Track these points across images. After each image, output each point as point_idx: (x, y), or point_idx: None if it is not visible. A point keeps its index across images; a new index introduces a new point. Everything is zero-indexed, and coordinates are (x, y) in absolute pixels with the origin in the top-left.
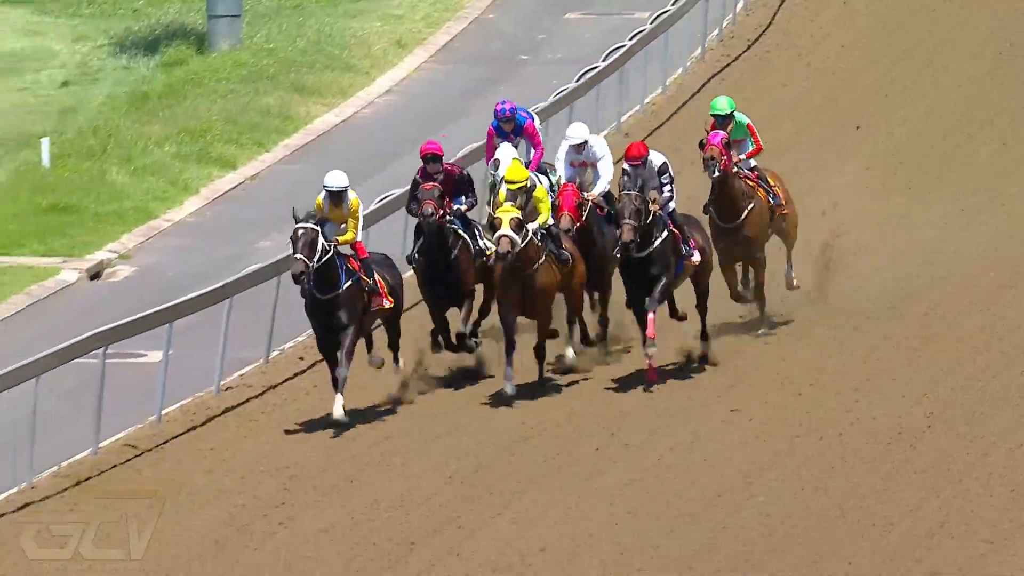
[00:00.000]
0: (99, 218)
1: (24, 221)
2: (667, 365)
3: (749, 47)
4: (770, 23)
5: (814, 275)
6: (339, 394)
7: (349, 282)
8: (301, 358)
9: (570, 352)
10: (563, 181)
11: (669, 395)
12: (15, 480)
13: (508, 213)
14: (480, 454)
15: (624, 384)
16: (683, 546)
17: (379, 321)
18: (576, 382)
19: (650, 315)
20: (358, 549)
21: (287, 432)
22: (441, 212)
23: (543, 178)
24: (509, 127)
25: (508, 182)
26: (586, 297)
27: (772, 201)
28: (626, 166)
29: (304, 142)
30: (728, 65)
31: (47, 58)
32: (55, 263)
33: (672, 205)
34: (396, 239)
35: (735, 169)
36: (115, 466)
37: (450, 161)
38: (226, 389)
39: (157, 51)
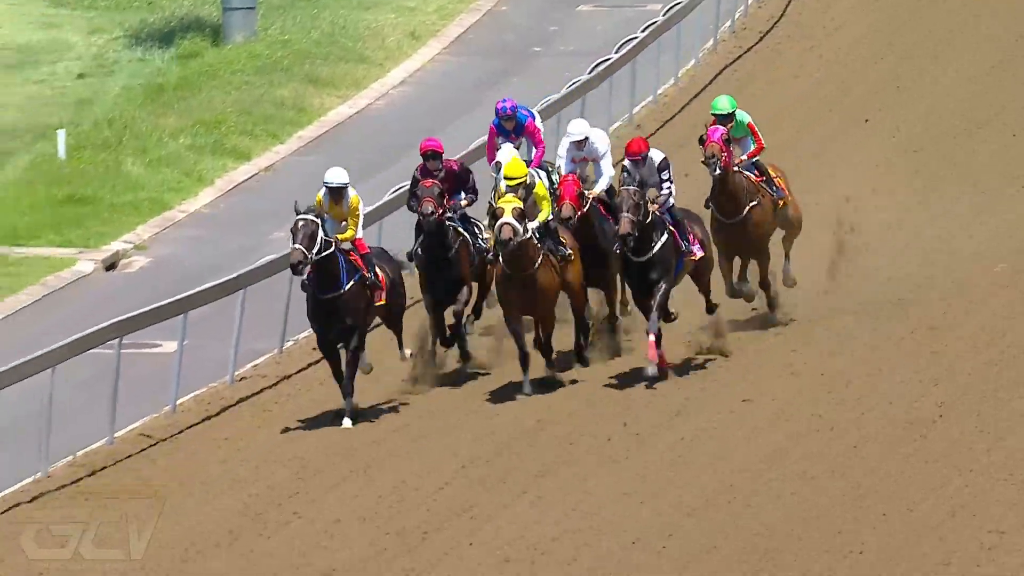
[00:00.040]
0: (114, 209)
1: (40, 212)
2: (678, 362)
3: (761, 39)
4: (782, 15)
5: (827, 262)
6: (348, 404)
7: (351, 283)
8: (315, 348)
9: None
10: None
11: (680, 386)
12: (31, 470)
13: (510, 203)
14: (492, 444)
15: (635, 376)
16: (695, 536)
17: (378, 320)
18: (587, 374)
19: (650, 338)
20: (371, 538)
21: (301, 422)
22: (441, 210)
23: (543, 175)
24: (510, 125)
25: (507, 178)
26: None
27: (775, 195)
28: (626, 162)
29: (318, 134)
30: (740, 57)
31: (63, 50)
32: (71, 254)
33: (672, 201)
34: (408, 231)
35: (736, 167)
36: (130, 456)
37: (458, 156)
38: (240, 379)
39: (172, 43)
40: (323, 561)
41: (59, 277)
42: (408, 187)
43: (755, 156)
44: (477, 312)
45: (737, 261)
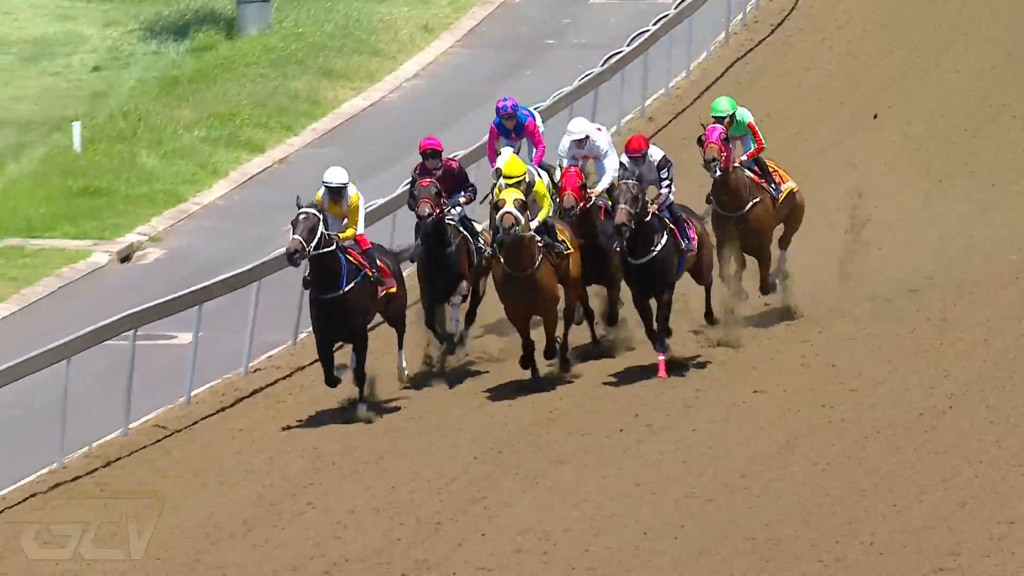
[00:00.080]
0: (129, 201)
1: (56, 204)
2: (689, 354)
3: (773, 31)
4: (793, 7)
5: (839, 255)
6: (361, 392)
7: (351, 284)
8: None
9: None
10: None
11: (691, 378)
12: (47, 460)
13: (511, 193)
14: (505, 435)
15: (647, 369)
16: (706, 526)
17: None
18: (598, 367)
19: (660, 358)
20: (385, 528)
21: (315, 413)
22: (438, 210)
23: (543, 173)
24: (511, 124)
25: (506, 177)
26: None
27: (775, 193)
28: (625, 159)
29: (332, 126)
30: (752, 49)
31: (78, 43)
32: (86, 246)
33: (672, 199)
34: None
35: (736, 165)
36: (145, 447)
37: (469, 150)
38: (255, 371)
39: (187, 36)
40: (337, 551)
41: (74, 269)
42: (408, 186)
43: (755, 156)
44: (470, 318)
45: (735, 264)
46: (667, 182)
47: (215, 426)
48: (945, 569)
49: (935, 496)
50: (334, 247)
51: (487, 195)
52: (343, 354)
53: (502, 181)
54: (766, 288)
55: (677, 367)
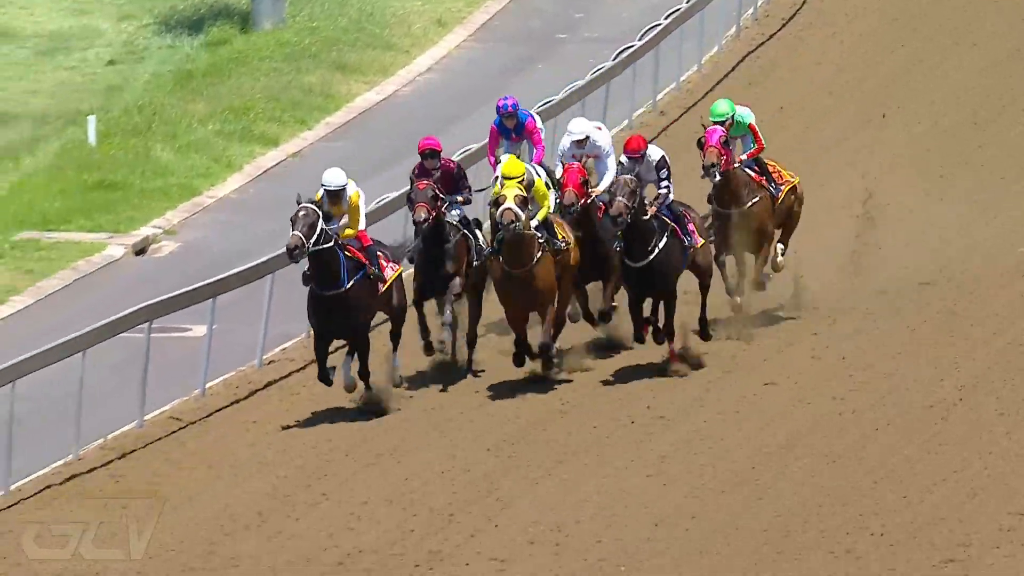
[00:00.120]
0: (144, 194)
1: (71, 198)
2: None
3: (783, 26)
4: (804, 2)
5: (848, 249)
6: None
7: (351, 282)
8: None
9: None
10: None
11: (703, 370)
12: (62, 452)
13: (512, 190)
14: (517, 427)
15: (657, 362)
16: (717, 517)
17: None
18: (610, 359)
19: (671, 347)
20: (398, 520)
21: (329, 405)
22: (434, 215)
23: (543, 172)
24: (511, 123)
25: (506, 177)
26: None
27: (774, 192)
28: (623, 159)
29: (345, 120)
30: (763, 44)
31: (93, 37)
32: (101, 239)
33: (671, 198)
34: None
35: (736, 164)
36: (160, 438)
37: (477, 146)
38: (269, 363)
39: (201, 30)
40: (351, 542)
41: (90, 262)
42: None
43: (754, 156)
44: (472, 339)
45: (733, 266)
46: (666, 182)
47: (229, 418)
48: (955, 560)
49: (945, 488)
50: (332, 244)
51: (486, 187)
52: (335, 358)
53: (502, 179)
54: (757, 285)
55: (687, 360)
